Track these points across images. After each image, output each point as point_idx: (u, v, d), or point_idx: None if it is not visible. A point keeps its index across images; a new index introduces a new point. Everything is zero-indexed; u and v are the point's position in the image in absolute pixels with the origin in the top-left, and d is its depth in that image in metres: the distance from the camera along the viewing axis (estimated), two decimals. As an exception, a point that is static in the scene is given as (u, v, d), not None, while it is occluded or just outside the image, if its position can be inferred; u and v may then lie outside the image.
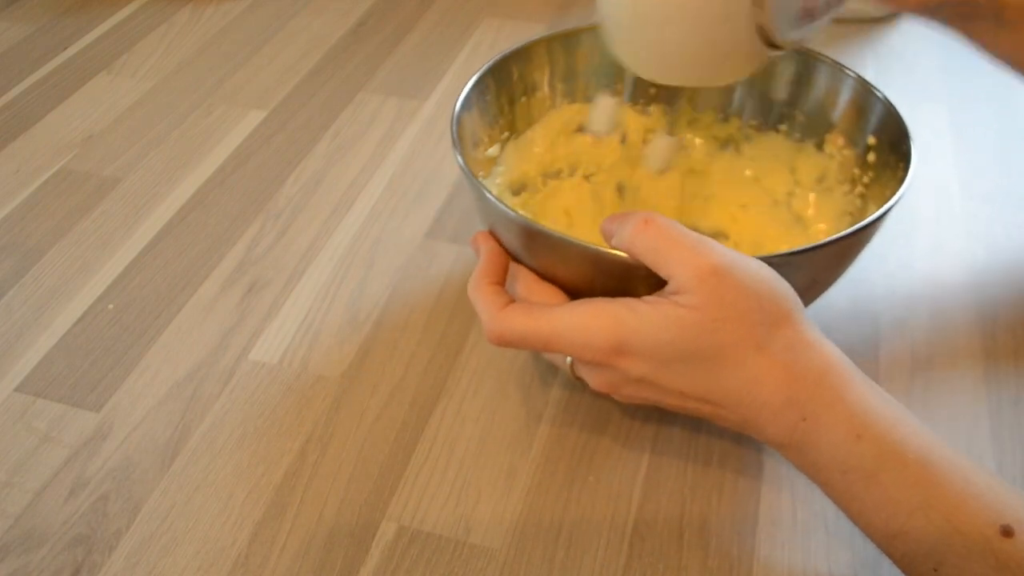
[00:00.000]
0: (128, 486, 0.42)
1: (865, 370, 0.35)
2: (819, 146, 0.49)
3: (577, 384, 0.45)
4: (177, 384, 0.47)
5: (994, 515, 0.30)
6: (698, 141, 0.53)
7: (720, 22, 0.38)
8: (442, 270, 0.54)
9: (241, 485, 0.42)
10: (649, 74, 0.43)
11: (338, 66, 0.74)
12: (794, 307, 0.35)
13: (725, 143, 0.52)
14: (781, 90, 0.50)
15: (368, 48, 0.77)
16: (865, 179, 0.46)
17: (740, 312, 0.33)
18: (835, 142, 0.48)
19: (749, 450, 0.43)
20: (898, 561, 0.33)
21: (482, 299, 0.39)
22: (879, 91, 0.45)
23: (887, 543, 0.33)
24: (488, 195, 0.39)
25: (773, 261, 0.36)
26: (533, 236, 0.39)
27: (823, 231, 0.48)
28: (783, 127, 0.50)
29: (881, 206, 0.38)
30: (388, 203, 0.59)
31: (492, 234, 0.43)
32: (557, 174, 0.52)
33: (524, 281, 0.40)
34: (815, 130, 0.49)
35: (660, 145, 0.50)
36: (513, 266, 0.42)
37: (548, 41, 0.50)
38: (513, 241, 0.41)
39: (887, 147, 0.45)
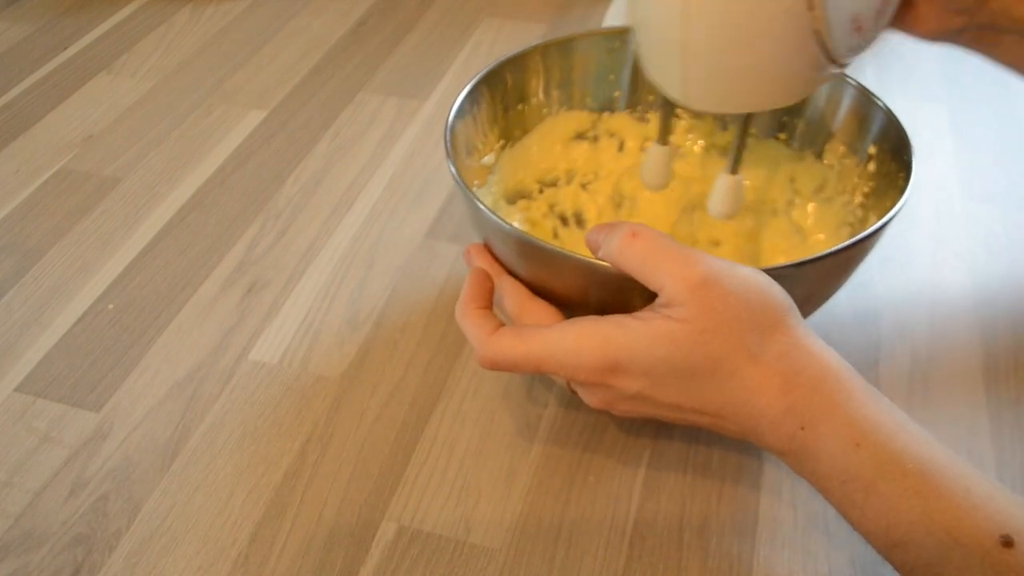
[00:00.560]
0: (128, 486, 0.42)
1: (865, 371, 0.35)
2: (819, 155, 0.49)
3: (574, 399, 0.45)
4: (177, 384, 0.47)
5: (994, 526, 0.30)
6: (696, 148, 0.52)
7: (780, 32, 0.35)
8: (442, 270, 0.54)
9: (241, 485, 0.42)
10: (709, 104, 0.40)
11: (338, 66, 0.74)
12: (788, 313, 0.35)
13: (724, 151, 0.52)
14: None
15: (368, 48, 0.77)
16: (865, 189, 0.46)
17: (730, 321, 0.33)
18: (835, 151, 0.48)
19: (750, 449, 0.43)
20: (899, 568, 0.33)
21: (471, 325, 0.39)
22: (880, 100, 0.45)
23: (888, 552, 0.33)
24: (481, 207, 0.39)
25: (769, 274, 0.35)
26: (526, 248, 0.38)
27: (822, 242, 0.48)
28: (783, 135, 0.50)
29: (882, 216, 0.38)
30: (388, 203, 0.59)
31: (486, 246, 0.42)
32: (554, 183, 0.52)
33: (513, 299, 0.40)
34: (815, 139, 0.49)
35: (723, 185, 0.44)
36: (500, 281, 0.41)
37: (543, 48, 0.49)
38: (506, 253, 0.40)
39: (888, 156, 0.44)
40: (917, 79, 0.71)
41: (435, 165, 0.63)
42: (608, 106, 0.52)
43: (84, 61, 0.76)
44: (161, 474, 0.43)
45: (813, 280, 0.39)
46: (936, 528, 0.31)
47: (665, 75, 0.40)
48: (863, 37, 0.38)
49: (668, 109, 0.44)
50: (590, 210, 0.52)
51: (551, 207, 0.52)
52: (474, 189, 0.47)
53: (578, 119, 0.52)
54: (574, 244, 0.51)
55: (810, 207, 0.49)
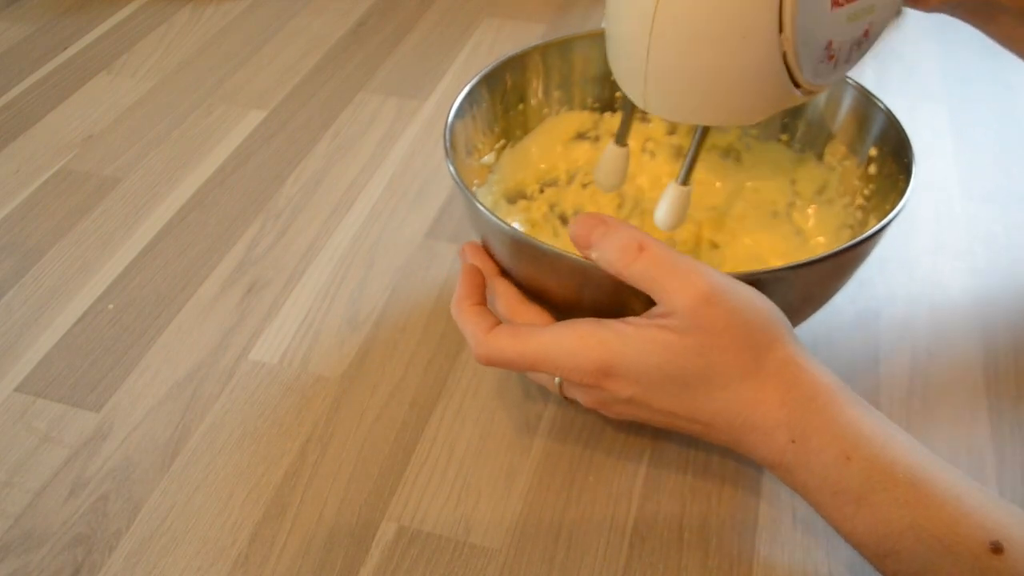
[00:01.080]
0: (128, 486, 0.42)
1: (865, 371, 0.35)
2: (820, 157, 0.49)
3: (566, 402, 0.45)
4: (177, 384, 0.47)
5: (984, 533, 0.30)
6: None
7: (745, 46, 0.34)
8: (442, 270, 0.54)
9: (241, 485, 0.42)
10: (666, 111, 0.39)
11: (338, 66, 0.74)
12: (784, 330, 0.35)
13: (725, 153, 0.52)
14: None
15: (368, 48, 0.77)
16: (866, 191, 0.46)
17: (729, 338, 0.34)
18: (836, 152, 0.48)
19: (749, 450, 0.44)
20: None
21: (467, 321, 0.39)
22: (880, 101, 0.45)
23: (879, 561, 0.33)
24: (477, 205, 0.39)
25: (765, 277, 0.36)
26: (521, 247, 0.38)
27: (822, 244, 0.48)
28: (784, 137, 0.50)
29: (882, 219, 0.38)
30: (388, 203, 0.59)
31: (484, 245, 0.42)
32: (554, 183, 0.52)
33: (505, 301, 0.40)
34: (816, 140, 0.49)
35: (671, 195, 0.42)
36: (493, 283, 0.41)
37: (543, 48, 0.49)
38: (502, 252, 0.40)
39: (889, 157, 0.44)
40: (917, 79, 0.71)
41: (435, 165, 0.63)
42: (609, 106, 0.52)
43: (84, 61, 0.76)
44: (161, 474, 0.43)
45: (811, 283, 0.39)
46: (927, 536, 0.31)
47: (628, 75, 0.39)
48: (834, 66, 0.37)
49: (629, 110, 0.43)
50: (590, 210, 0.52)
51: (551, 207, 0.52)
52: (474, 189, 0.47)
53: (578, 119, 0.52)
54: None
55: (811, 209, 0.49)
